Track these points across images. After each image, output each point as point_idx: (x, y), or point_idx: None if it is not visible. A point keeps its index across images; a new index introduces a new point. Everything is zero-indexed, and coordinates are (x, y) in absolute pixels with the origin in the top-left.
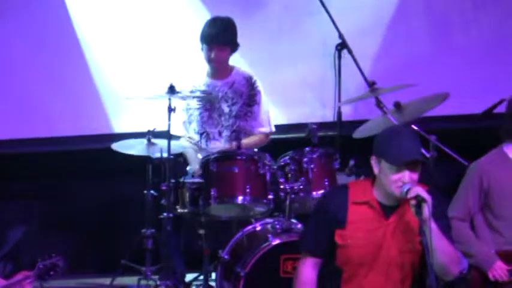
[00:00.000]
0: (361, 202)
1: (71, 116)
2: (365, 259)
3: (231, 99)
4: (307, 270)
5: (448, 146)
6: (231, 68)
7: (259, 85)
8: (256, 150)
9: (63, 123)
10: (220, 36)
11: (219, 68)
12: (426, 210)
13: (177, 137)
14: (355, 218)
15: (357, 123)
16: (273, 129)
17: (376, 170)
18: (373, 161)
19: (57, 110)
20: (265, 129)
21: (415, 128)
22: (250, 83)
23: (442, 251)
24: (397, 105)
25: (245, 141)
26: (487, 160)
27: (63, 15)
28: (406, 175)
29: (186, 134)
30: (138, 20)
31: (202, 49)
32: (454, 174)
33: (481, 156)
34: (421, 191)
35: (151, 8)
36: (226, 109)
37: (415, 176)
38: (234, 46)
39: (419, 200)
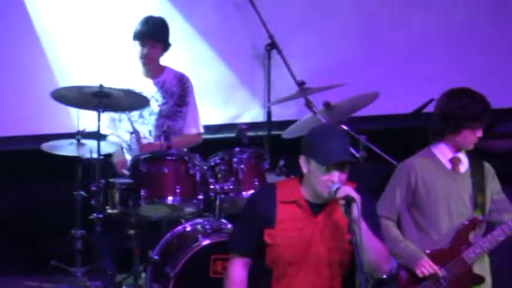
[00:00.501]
0: (289, 201)
1: None
2: (294, 258)
3: (161, 99)
4: (237, 270)
5: (377, 146)
6: (163, 68)
7: (191, 85)
8: (186, 150)
9: None
10: (152, 33)
11: (151, 66)
12: (355, 210)
13: (106, 137)
14: (283, 217)
15: (287, 124)
16: (202, 130)
17: (304, 170)
18: (302, 160)
19: None
20: (193, 130)
21: (345, 127)
22: (181, 82)
23: (372, 249)
24: (327, 105)
25: (176, 139)
26: (415, 160)
27: None
28: (335, 175)
29: (113, 132)
30: (69, 19)
31: (134, 46)
32: (383, 174)
33: (411, 156)
34: (350, 190)
35: (80, 9)
36: (156, 108)
37: (344, 176)
38: (165, 45)
39: (349, 200)
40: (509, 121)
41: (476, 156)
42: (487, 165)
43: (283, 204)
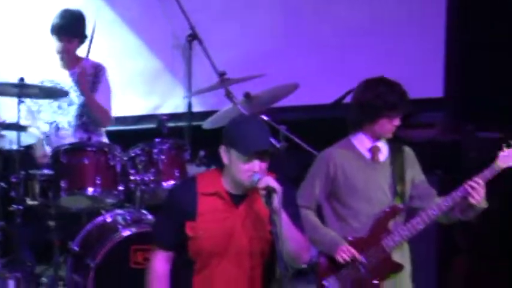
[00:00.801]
0: (210, 193)
1: None
2: (216, 249)
3: (79, 90)
4: (159, 263)
5: (298, 136)
6: (80, 59)
7: (106, 73)
8: (106, 142)
9: None
10: (68, 28)
11: (68, 59)
12: (276, 200)
13: (26, 128)
14: (205, 210)
15: (208, 114)
16: (111, 115)
17: (225, 160)
18: (222, 150)
19: None
20: None
21: (265, 118)
22: (96, 70)
23: (291, 239)
24: (247, 96)
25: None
26: (335, 150)
27: None
28: (256, 165)
29: (32, 123)
30: None
31: (52, 40)
32: (304, 164)
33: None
34: (270, 180)
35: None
36: (75, 99)
37: (264, 165)
38: (82, 38)
39: (270, 190)
40: (428, 111)
41: (396, 143)
42: (407, 150)
43: (204, 196)
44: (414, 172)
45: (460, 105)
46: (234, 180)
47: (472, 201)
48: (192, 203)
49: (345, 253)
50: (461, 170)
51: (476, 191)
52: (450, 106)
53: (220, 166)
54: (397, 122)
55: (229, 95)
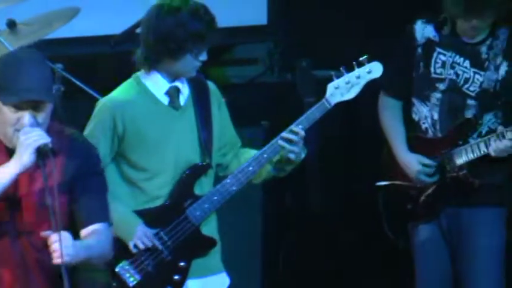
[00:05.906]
0: None
1: None
2: None
3: None
4: None
5: (78, 77)
6: None
7: None
8: None
9: None
10: None
11: None
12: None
13: None
14: None
15: None
16: None
17: None
18: None
19: None
20: None
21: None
22: None
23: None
24: (11, 24)
25: None
26: (121, 95)
27: None
28: (26, 117)
29: None
30: None
31: None
32: (86, 114)
33: (115, 90)
34: (42, 137)
35: None
36: None
37: (43, 117)
38: None
39: (41, 151)
40: (249, 43)
41: (198, 78)
42: (212, 87)
43: None
44: (222, 115)
45: (290, 35)
46: (5, 135)
47: (291, 156)
48: None
49: (140, 239)
50: (294, 118)
51: (294, 142)
52: (276, 36)
53: None
54: (204, 56)
55: None
